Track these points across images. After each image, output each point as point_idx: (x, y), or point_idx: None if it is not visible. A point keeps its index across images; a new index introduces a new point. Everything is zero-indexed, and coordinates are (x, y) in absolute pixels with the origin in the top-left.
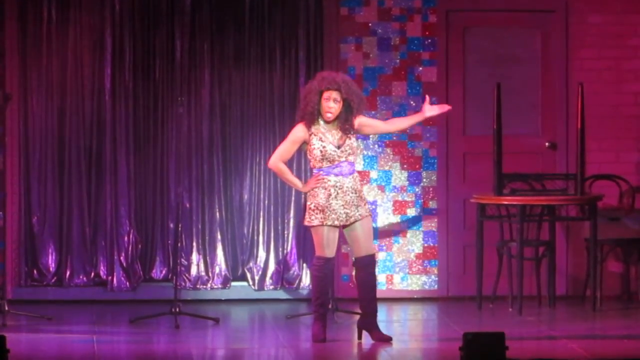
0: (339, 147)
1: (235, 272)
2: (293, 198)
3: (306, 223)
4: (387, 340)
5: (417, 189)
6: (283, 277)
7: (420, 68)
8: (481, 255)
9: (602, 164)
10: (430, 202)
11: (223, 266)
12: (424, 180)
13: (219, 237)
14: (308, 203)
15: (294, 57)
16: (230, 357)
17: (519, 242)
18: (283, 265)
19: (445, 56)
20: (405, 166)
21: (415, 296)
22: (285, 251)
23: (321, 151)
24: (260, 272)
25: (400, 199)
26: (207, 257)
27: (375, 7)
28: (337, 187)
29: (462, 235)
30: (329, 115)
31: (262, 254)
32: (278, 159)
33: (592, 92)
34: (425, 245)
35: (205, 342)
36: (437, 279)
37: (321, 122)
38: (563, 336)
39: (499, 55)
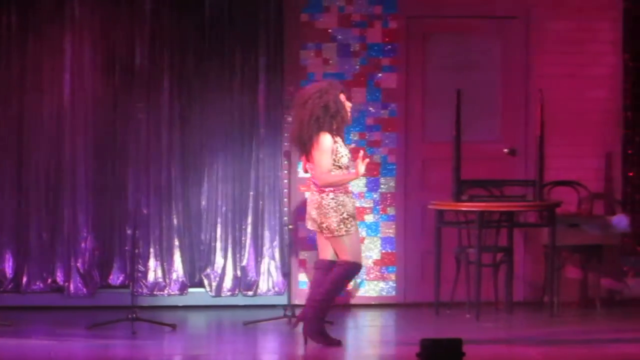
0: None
1: (193, 279)
2: (250, 205)
3: (343, 233)
4: (337, 344)
5: (375, 195)
6: (240, 284)
7: (380, 74)
8: (439, 262)
9: (561, 170)
10: (389, 209)
11: (180, 272)
12: (383, 186)
13: (176, 243)
14: (336, 215)
15: (254, 64)
16: None
17: (477, 248)
18: (240, 272)
19: (405, 62)
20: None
21: (373, 302)
22: (242, 258)
23: (348, 158)
24: (217, 279)
25: (358, 205)
26: (165, 264)
27: (335, 13)
28: (351, 194)
29: (420, 242)
30: (350, 112)
31: (219, 261)
32: (325, 174)
33: (552, 98)
34: (384, 251)
35: (162, 348)
36: (395, 285)
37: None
38: (521, 342)
39: (459, 62)
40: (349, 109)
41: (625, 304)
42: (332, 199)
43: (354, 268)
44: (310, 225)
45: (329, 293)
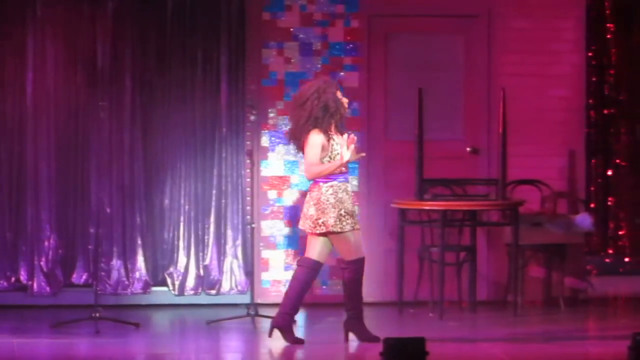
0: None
1: (156, 277)
2: (213, 203)
3: (338, 229)
4: (375, 340)
5: None
6: (203, 282)
7: (342, 73)
8: (402, 261)
9: (524, 169)
10: None
11: (143, 271)
12: None
13: (139, 242)
14: (335, 210)
15: (215, 62)
16: None
17: (441, 247)
18: (203, 271)
19: (367, 61)
20: None
21: (336, 301)
22: (205, 256)
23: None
24: (180, 277)
25: None
26: (128, 262)
27: (297, 12)
28: (350, 192)
29: (383, 241)
30: (347, 108)
31: (182, 259)
32: (310, 165)
33: (515, 97)
34: None
35: (125, 347)
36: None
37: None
38: (484, 341)
39: (421, 61)
40: (346, 105)
41: (589, 303)
42: (332, 194)
43: (357, 265)
44: (301, 224)
45: (355, 293)
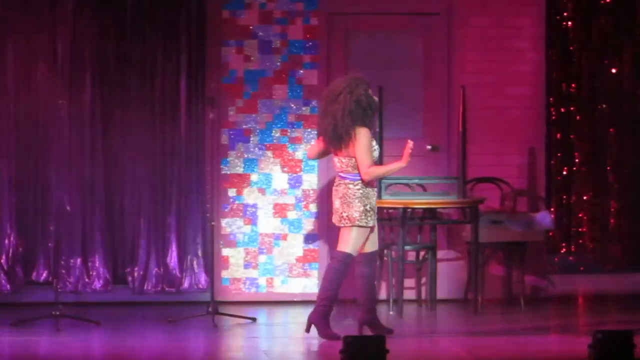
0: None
1: (117, 275)
2: (174, 201)
3: (362, 224)
4: (389, 332)
5: (297, 192)
6: (164, 280)
7: (302, 71)
8: None
9: (485, 167)
10: (311, 205)
11: (104, 269)
12: (305, 183)
13: (99, 240)
14: (361, 205)
15: (175, 61)
16: (112, 359)
17: (401, 245)
18: (164, 268)
19: (326, 59)
20: (286, 169)
21: (296, 299)
22: (166, 254)
23: (378, 153)
24: (141, 275)
25: (281, 202)
26: (88, 260)
27: (257, 10)
28: (375, 189)
29: None
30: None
31: (143, 257)
32: (370, 168)
33: (475, 95)
34: (306, 248)
35: (86, 344)
36: (317, 282)
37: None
38: (444, 338)
39: (381, 59)
40: (377, 103)
41: (549, 301)
42: (359, 189)
43: (372, 258)
44: (334, 219)
45: (327, 289)
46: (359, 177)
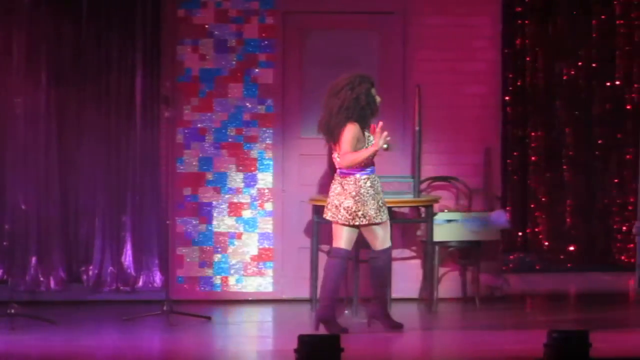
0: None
1: (72, 274)
2: (129, 200)
3: (379, 220)
4: (399, 327)
5: (252, 191)
6: (119, 279)
7: (257, 70)
8: (317, 257)
9: (440, 165)
10: (266, 204)
11: (60, 268)
12: (260, 182)
13: (55, 239)
14: (374, 202)
15: (131, 59)
16: (67, 359)
17: (355, 244)
18: (119, 267)
19: (282, 58)
20: (241, 168)
21: (250, 298)
22: (121, 253)
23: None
24: (96, 274)
25: (235, 200)
26: (43, 259)
27: (212, 8)
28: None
29: (298, 237)
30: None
31: (98, 256)
32: (345, 154)
33: (431, 94)
34: (261, 247)
35: (41, 343)
36: (272, 280)
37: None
38: (399, 337)
39: (337, 58)
40: (378, 103)
41: (505, 301)
42: (370, 186)
43: (388, 252)
44: (331, 215)
45: (382, 284)
46: (364, 172)
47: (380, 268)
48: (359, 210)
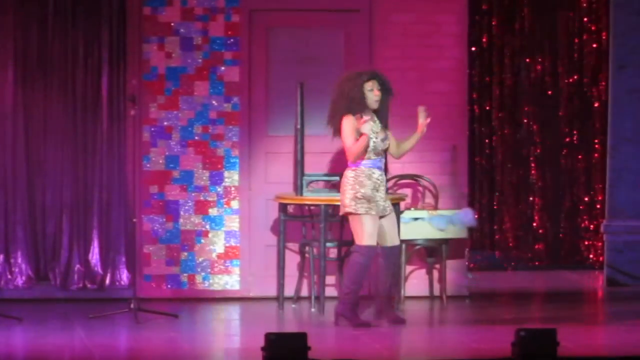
0: (382, 141)
1: (39, 272)
2: (96, 198)
3: (351, 210)
4: (402, 322)
5: (219, 189)
6: (86, 277)
7: (223, 68)
8: (284, 255)
9: (406, 163)
10: (233, 202)
11: (26, 266)
12: (226, 180)
13: (21, 236)
14: (351, 192)
15: (97, 57)
16: (33, 357)
17: (322, 242)
18: (86, 265)
19: (248, 56)
20: (207, 166)
21: (217, 296)
22: (88, 251)
23: (374, 142)
24: (63, 272)
25: (202, 198)
26: (10, 257)
27: (178, 6)
28: (380, 180)
29: (264, 235)
30: (376, 100)
31: (65, 254)
32: (349, 150)
33: (396, 91)
34: (227, 245)
35: (7, 341)
36: (239, 279)
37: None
38: (365, 335)
39: (302, 55)
40: (374, 97)
41: (471, 299)
42: (352, 177)
43: (364, 250)
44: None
45: (351, 278)
46: (357, 166)
47: (351, 264)
48: (341, 199)
